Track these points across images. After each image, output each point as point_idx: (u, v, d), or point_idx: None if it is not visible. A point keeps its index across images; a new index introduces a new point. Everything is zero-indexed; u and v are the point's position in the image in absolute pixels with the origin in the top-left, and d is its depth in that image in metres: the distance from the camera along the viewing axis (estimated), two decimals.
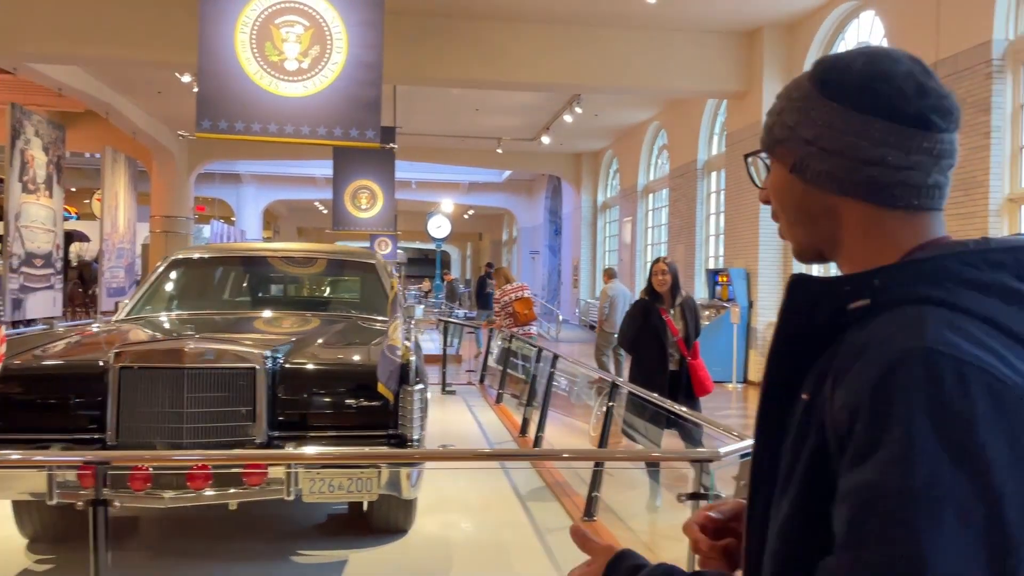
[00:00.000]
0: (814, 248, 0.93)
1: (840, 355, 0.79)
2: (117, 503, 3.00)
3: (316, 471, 3.28)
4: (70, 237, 17.37)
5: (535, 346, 6.89)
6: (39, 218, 14.08)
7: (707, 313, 12.71)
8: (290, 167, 28.30)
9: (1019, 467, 0.67)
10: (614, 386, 4.54)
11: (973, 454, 0.67)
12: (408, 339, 3.92)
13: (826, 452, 0.77)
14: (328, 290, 5.75)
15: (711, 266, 14.32)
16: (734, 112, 12.86)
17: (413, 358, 3.52)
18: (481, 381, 10.11)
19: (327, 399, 3.55)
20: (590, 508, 4.47)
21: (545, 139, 19.17)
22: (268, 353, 3.43)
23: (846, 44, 11.15)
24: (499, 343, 9.32)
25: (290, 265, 5.38)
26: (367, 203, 17.33)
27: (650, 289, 4.88)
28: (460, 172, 28.78)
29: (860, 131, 0.86)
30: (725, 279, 12.46)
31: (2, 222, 13.17)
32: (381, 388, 3.48)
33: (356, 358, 3.71)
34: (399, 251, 47.09)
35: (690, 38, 11.97)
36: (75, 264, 17.68)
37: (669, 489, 4.69)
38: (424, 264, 54.08)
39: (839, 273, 0.89)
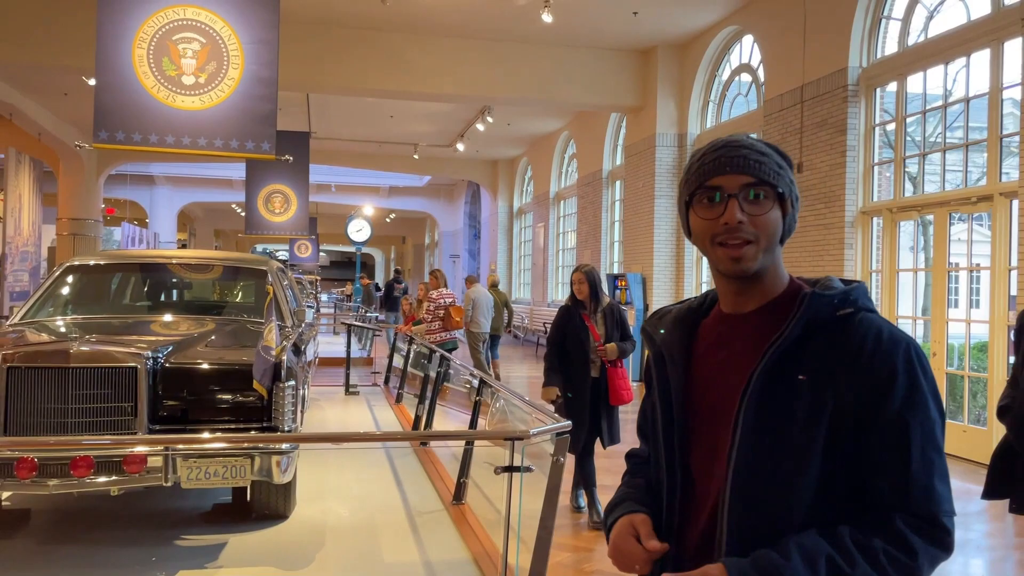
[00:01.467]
0: (751, 270, 1.27)
1: (835, 345, 1.21)
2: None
3: (193, 460, 3.64)
4: None
5: (433, 350, 7.32)
6: None
7: None
8: (206, 169, 27.97)
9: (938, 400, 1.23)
10: (482, 383, 5.01)
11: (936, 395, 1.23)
12: (285, 340, 4.31)
13: (842, 409, 1.19)
14: (221, 295, 6.07)
15: (613, 271, 15.01)
16: (632, 125, 13.57)
17: (285, 357, 3.90)
18: (386, 383, 10.48)
19: (205, 395, 3.91)
20: (459, 492, 4.93)
21: (460, 146, 19.63)
22: (149, 353, 3.77)
23: (731, 65, 11.95)
24: (404, 345, 9.70)
25: (184, 271, 5.67)
26: (281, 207, 17.44)
27: (573, 296, 5.09)
28: (380, 176, 28.93)
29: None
30: (624, 283, 13.13)
31: None
32: (256, 385, 3.86)
33: (232, 357, 4.07)
34: (321, 254, 46.77)
35: (589, 54, 12.62)
36: None
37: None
38: (347, 267, 53.73)
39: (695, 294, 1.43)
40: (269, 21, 6.54)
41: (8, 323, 5.12)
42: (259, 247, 54.38)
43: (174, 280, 5.86)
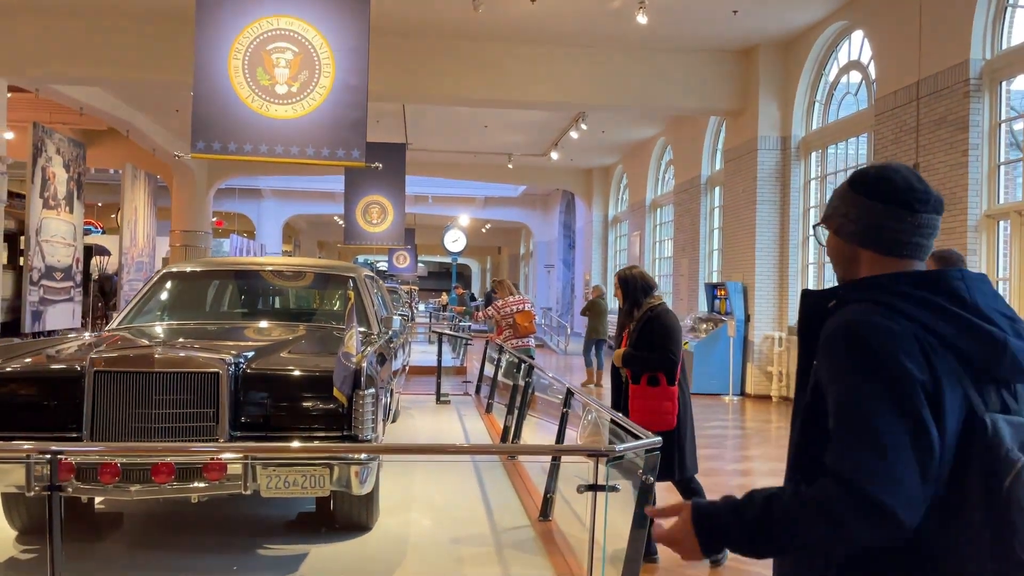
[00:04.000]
0: (847, 279, 1.52)
1: (823, 332, 1.42)
2: (71, 492, 3.31)
3: (272, 468, 3.57)
4: (91, 251, 17.90)
5: (522, 359, 7.15)
6: (59, 232, 14.60)
7: (705, 326, 12.91)
8: (309, 182, 28.81)
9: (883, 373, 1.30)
10: (569, 393, 4.79)
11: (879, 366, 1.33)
12: (368, 347, 4.21)
13: (818, 390, 1.40)
14: (311, 302, 6.08)
15: (711, 280, 14.51)
16: (732, 129, 13.08)
17: (365, 364, 3.80)
18: (477, 392, 10.37)
19: (285, 402, 3.84)
20: (546, 508, 4.72)
21: (554, 155, 19.49)
22: (231, 359, 3.74)
23: (838, 63, 11.34)
24: (495, 355, 9.58)
25: (275, 278, 5.70)
26: (378, 218, 17.71)
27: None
28: (476, 187, 29.13)
29: (870, 210, 1.45)
30: (723, 293, 12.64)
31: (23, 237, 13.67)
32: (336, 392, 3.77)
33: (313, 364, 4.00)
34: (419, 264, 47.65)
35: (686, 57, 12.24)
36: (96, 277, 18.22)
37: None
38: (445, 278, 54.47)
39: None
40: (359, 29, 6.55)
41: (106, 328, 5.25)
42: (360, 258, 55.89)
43: (265, 287, 5.91)
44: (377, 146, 17.58)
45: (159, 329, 5.01)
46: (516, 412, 6.61)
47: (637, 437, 2.99)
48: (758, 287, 12.12)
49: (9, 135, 17.29)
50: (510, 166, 20.80)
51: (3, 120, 11.74)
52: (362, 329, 5.40)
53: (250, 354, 3.95)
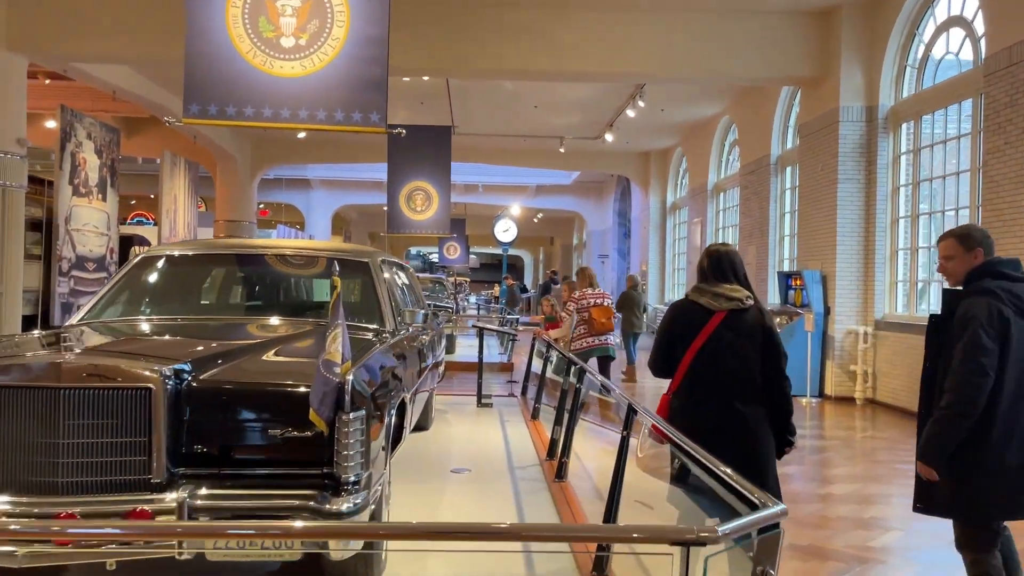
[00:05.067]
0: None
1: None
2: None
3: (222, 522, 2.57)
4: (130, 241, 17.36)
5: (573, 361, 6.09)
6: (92, 221, 13.99)
7: (779, 320, 11.59)
8: (359, 172, 28.17)
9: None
10: (631, 410, 3.70)
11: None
12: (368, 352, 3.18)
13: None
14: (310, 293, 5.08)
15: (784, 268, 13.18)
16: (808, 100, 11.73)
17: (351, 378, 2.76)
18: (523, 393, 9.33)
19: (245, 428, 2.84)
20: (601, 565, 3.64)
21: (608, 136, 18.29)
22: (170, 369, 2.74)
23: (935, 20, 9.94)
24: (544, 351, 8.50)
25: (275, 264, 4.72)
26: (422, 205, 16.86)
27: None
28: (528, 175, 28.15)
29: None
30: (799, 283, 11.34)
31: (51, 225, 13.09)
32: (312, 415, 2.76)
33: (289, 374, 2.98)
34: (472, 256, 46.93)
35: (758, 21, 10.94)
36: None
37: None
38: (498, 270, 53.67)
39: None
40: None
41: (67, 322, 4.32)
42: (412, 249, 55.35)
43: (263, 274, 4.92)
44: (421, 129, 16.68)
45: (121, 325, 4.07)
46: (564, 425, 5.54)
47: (746, 500, 1.90)
48: (839, 276, 10.79)
49: (51, 124, 16.89)
50: (562, 150, 19.66)
51: (23, 100, 11.09)
52: (372, 326, 4.38)
53: (208, 361, 2.96)
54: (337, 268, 3.02)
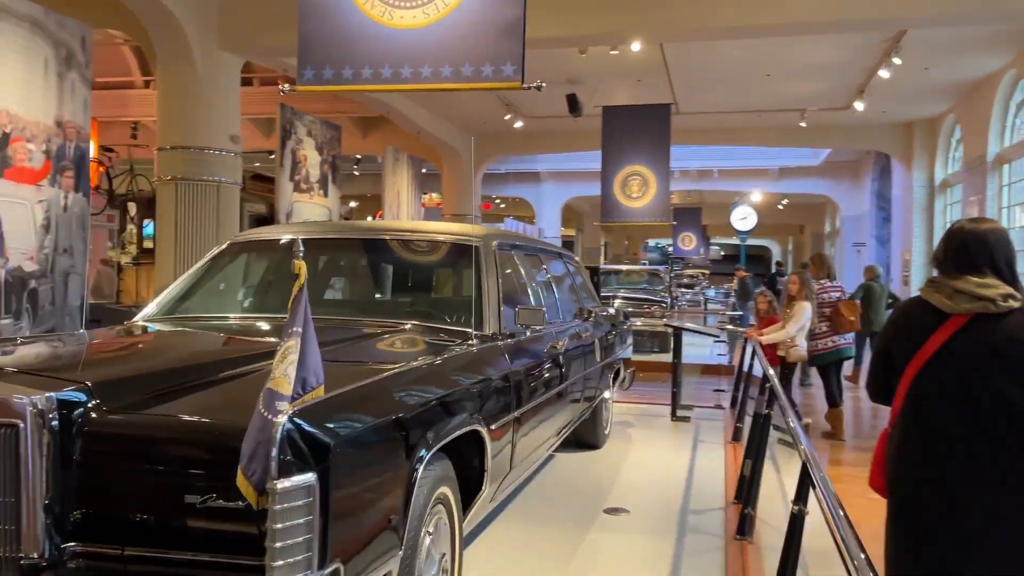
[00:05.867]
0: None
1: None
2: None
3: None
4: None
5: (766, 373, 4.66)
6: (313, 216, 14.37)
7: None
8: (588, 162, 27.42)
9: None
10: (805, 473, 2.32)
11: None
12: (367, 378, 2.12)
13: None
14: (419, 284, 4.10)
15: None
16: None
17: (305, 422, 1.72)
18: (733, 405, 7.84)
19: (160, 486, 1.90)
20: None
21: (858, 105, 15.78)
22: (46, 398, 1.87)
23: None
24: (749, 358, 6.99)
25: (360, 250, 3.83)
26: (639, 191, 15.61)
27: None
28: (769, 156, 25.76)
29: None
30: None
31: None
32: (239, 478, 1.75)
33: (241, 407, 2.00)
34: (713, 247, 44.50)
35: None
36: None
37: None
38: (739, 261, 50.72)
39: None
40: None
41: (136, 319, 3.72)
42: (650, 241, 53.78)
43: (348, 262, 4.06)
44: (636, 109, 15.42)
45: (174, 326, 3.37)
46: (754, 457, 4.16)
47: None
48: None
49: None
50: (803, 124, 17.38)
51: (236, 98, 11.41)
52: (462, 329, 3.33)
53: (149, 380, 2.06)
54: (302, 250, 1.99)
